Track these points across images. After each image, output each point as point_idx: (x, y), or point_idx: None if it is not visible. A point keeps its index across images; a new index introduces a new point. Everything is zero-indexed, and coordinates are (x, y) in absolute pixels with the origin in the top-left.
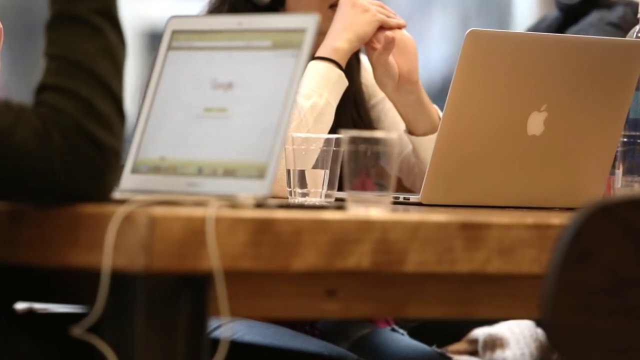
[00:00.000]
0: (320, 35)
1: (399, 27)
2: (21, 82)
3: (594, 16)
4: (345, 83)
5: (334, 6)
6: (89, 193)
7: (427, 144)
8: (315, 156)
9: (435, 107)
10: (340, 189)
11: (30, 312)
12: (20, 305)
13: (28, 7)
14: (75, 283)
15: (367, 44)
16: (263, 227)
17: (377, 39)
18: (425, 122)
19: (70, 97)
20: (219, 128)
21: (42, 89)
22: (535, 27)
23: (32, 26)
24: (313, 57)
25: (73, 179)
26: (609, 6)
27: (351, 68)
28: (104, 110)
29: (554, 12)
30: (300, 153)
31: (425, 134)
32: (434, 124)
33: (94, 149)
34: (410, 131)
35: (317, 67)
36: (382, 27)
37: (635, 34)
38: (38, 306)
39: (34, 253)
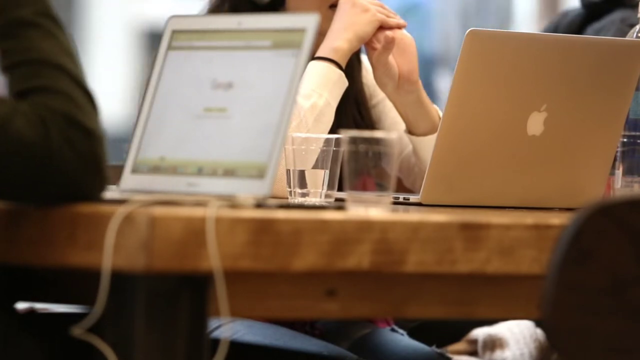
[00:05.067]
0: (320, 35)
1: (399, 27)
2: None
3: (617, 15)
4: (345, 83)
5: (333, 6)
6: (87, 185)
7: (428, 144)
8: (315, 156)
9: (436, 107)
10: (340, 189)
11: (31, 312)
12: (21, 305)
13: None
14: (76, 283)
15: (367, 44)
16: (263, 227)
17: (377, 39)
18: (425, 122)
19: (53, 93)
20: (218, 128)
21: (20, 95)
22: (557, 22)
23: None
24: (313, 57)
25: (72, 170)
26: (633, 7)
27: (352, 68)
28: (81, 101)
29: (576, 8)
30: (300, 153)
31: (425, 134)
32: (434, 124)
33: (87, 139)
34: (410, 131)
35: (317, 67)
36: (382, 27)
37: (635, 34)
38: (39, 306)
39: (34, 253)
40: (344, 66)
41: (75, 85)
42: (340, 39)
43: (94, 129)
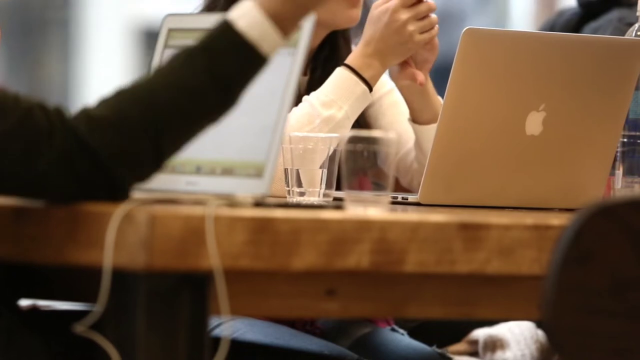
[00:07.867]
0: (321, 27)
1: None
2: (20, 80)
3: (614, 14)
4: (368, 100)
5: None
6: (75, 200)
7: (430, 134)
8: (314, 156)
9: (439, 98)
10: (338, 188)
11: (33, 309)
12: (24, 303)
13: (25, 4)
14: (78, 281)
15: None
16: (262, 226)
17: (415, 58)
18: (428, 112)
19: (112, 114)
20: (216, 127)
21: (114, 92)
22: (554, 22)
23: (30, 23)
24: (344, 64)
25: (61, 186)
26: (631, 5)
27: None
28: (133, 148)
29: (573, 7)
30: (298, 152)
31: (427, 122)
32: (437, 115)
33: (90, 165)
34: (413, 119)
35: (344, 76)
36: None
37: (634, 32)
38: (41, 303)
39: (35, 251)
40: (372, 87)
41: (147, 136)
42: (380, 59)
43: (109, 167)
